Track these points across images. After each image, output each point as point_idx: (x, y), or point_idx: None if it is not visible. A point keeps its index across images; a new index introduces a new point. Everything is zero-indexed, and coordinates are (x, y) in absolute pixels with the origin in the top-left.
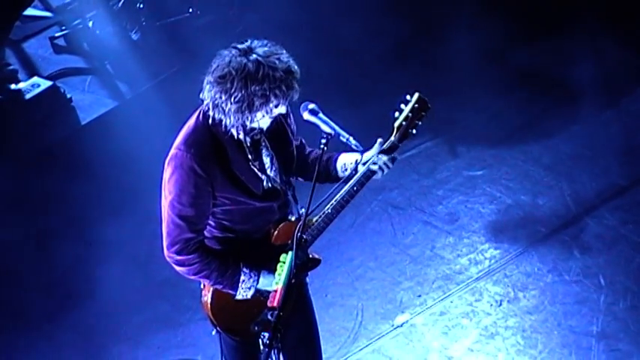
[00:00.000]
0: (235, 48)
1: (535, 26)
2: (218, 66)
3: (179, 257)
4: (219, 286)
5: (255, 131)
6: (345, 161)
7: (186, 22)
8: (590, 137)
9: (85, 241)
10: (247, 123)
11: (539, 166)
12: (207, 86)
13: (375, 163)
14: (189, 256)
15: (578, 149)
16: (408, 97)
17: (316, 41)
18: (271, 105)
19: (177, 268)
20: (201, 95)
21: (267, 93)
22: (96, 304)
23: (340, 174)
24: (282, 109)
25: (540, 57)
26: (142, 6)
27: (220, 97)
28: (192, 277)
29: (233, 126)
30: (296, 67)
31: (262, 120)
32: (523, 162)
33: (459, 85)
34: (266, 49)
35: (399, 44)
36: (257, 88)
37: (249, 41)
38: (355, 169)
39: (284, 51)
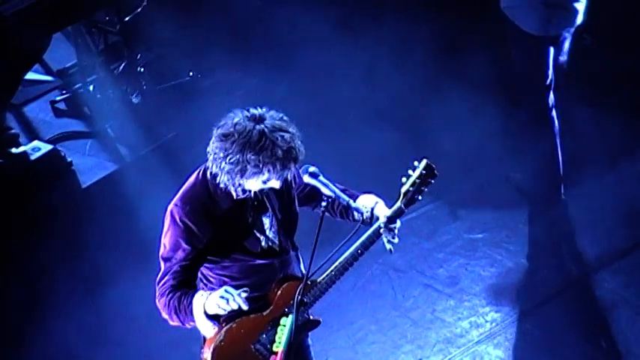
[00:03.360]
0: (249, 111)
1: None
2: (226, 123)
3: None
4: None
5: (249, 193)
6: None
7: (187, 85)
8: (590, 200)
9: (87, 304)
10: (237, 185)
11: (540, 230)
12: (213, 139)
13: (380, 228)
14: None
15: (578, 212)
16: (415, 163)
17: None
18: (263, 177)
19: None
20: (208, 148)
21: (261, 166)
22: None
23: (357, 217)
24: (274, 184)
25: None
26: (142, 70)
27: (218, 154)
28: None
29: (225, 184)
30: (300, 149)
31: (254, 186)
32: (524, 225)
33: (461, 149)
34: (276, 122)
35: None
36: (253, 157)
37: (264, 109)
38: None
39: (294, 130)
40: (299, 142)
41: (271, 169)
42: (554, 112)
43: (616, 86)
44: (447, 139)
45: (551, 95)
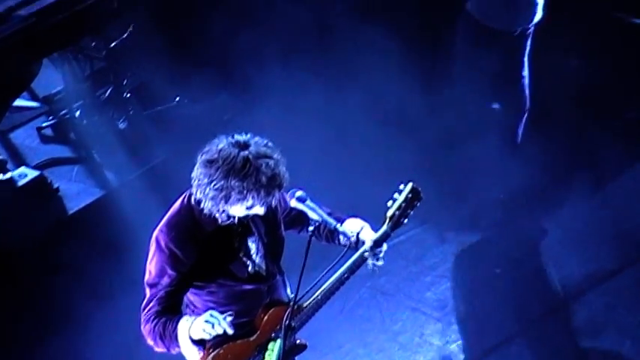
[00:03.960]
0: (233, 137)
1: None
2: (211, 149)
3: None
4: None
5: (233, 219)
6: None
7: (173, 110)
8: (578, 222)
9: (73, 330)
10: (221, 211)
11: (527, 252)
12: (197, 165)
13: (366, 252)
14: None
15: (566, 234)
16: (401, 186)
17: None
18: (247, 203)
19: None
20: (192, 174)
21: (245, 192)
22: None
23: (343, 241)
24: (258, 210)
25: (525, 144)
26: (129, 95)
27: (202, 180)
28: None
29: (210, 210)
30: (284, 175)
31: (238, 213)
32: (511, 248)
33: (449, 172)
34: (261, 149)
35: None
36: (237, 183)
37: (249, 136)
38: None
39: (279, 157)
40: (283, 169)
41: (255, 195)
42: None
43: (602, 108)
44: (440, 158)
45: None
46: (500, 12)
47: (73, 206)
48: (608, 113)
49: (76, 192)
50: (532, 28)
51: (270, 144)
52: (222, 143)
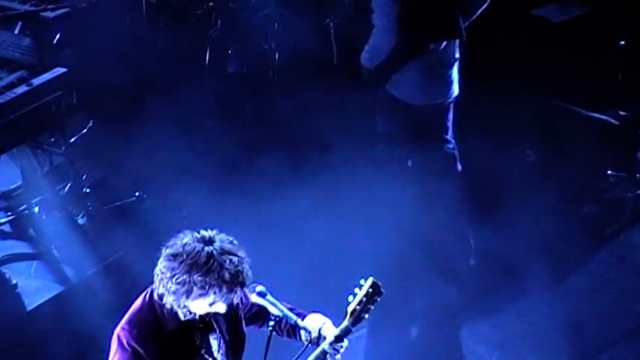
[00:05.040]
0: (199, 232)
1: (478, 207)
2: (175, 243)
3: None
4: None
5: (194, 315)
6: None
7: (133, 205)
8: (537, 315)
9: None
10: (183, 307)
11: (489, 346)
12: (161, 258)
13: (327, 347)
14: None
15: (526, 327)
16: (362, 281)
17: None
18: (209, 299)
19: None
20: (156, 268)
21: (207, 288)
22: None
23: (304, 337)
24: (220, 308)
25: (485, 234)
26: (88, 190)
27: (165, 274)
28: None
29: (172, 305)
30: (247, 273)
31: (199, 309)
32: (471, 342)
33: (409, 266)
34: (226, 245)
35: None
36: (200, 278)
37: (215, 232)
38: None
39: (243, 254)
40: (247, 267)
41: (217, 291)
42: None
43: (562, 200)
44: None
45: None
46: (417, 91)
47: (32, 302)
48: (565, 204)
49: (34, 288)
50: (451, 101)
51: (235, 241)
52: (187, 238)
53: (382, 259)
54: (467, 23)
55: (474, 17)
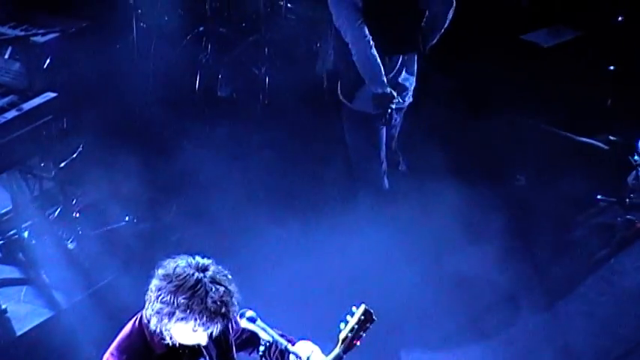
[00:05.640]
0: (194, 259)
1: (469, 232)
2: (169, 264)
3: None
4: None
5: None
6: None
7: (123, 230)
8: (529, 339)
9: None
10: (165, 330)
11: None
12: (154, 277)
13: None
14: None
15: (517, 351)
16: (354, 308)
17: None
18: (190, 325)
19: None
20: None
21: (188, 312)
22: None
23: None
24: (200, 338)
25: (475, 260)
26: (78, 215)
27: (154, 292)
28: None
29: (156, 327)
30: (232, 308)
31: (180, 335)
32: None
33: (399, 288)
34: (217, 276)
35: None
36: (183, 301)
37: (212, 261)
38: None
39: (233, 289)
40: (234, 301)
41: (198, 318)
42: (385, 180)
43: (552, 224)
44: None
45: (384, 165)
46: (367, 102)
47: (22, 327)
48: (555, 228)
49: (24, 313)
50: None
51: (229, 276)
52: (181, 261)
53: (373, 286)
54: (432, 42)
55: (437, 36)
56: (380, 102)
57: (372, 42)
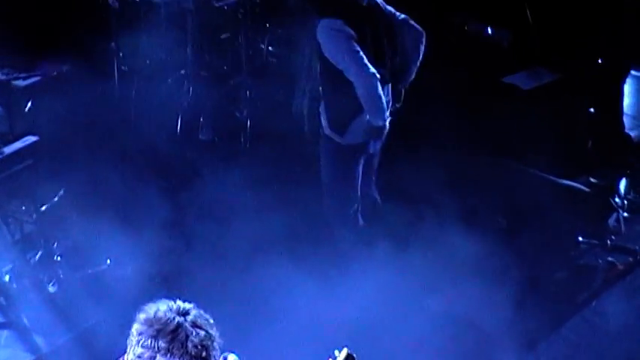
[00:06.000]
0: (175, 303)
1: (447, 272)
2: (150, 308)
3: None
4: None
5: None
6: None
7: (105, 273)
8: None
9: None
10: None
11: None
12: (135, 321)
13: None
14: None
15: None
16: (336, 352)
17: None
18: None
19: None
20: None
21: (169, 356)
22: None
23: None
24: None
25: (456, 300)
26: (59, 258)
27: (135, 336)
28: None
29: None
30: (212, 352)
31: None
32: None
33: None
34: (199, 320)
35: None
36: (164, 345)
37: (193, 306)
38: None
39: (214, 333)
40: (215, 345)
41: None
42: (359, 217)
43: (533, 266)
44: None
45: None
46: (359, 134)
47: None
48: (537, 270)
49: (5, 357)
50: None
51: (211, 320)
52: (163, 305)
53: (356, 327)
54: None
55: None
56: (375, 133)
57: (377, 75)
